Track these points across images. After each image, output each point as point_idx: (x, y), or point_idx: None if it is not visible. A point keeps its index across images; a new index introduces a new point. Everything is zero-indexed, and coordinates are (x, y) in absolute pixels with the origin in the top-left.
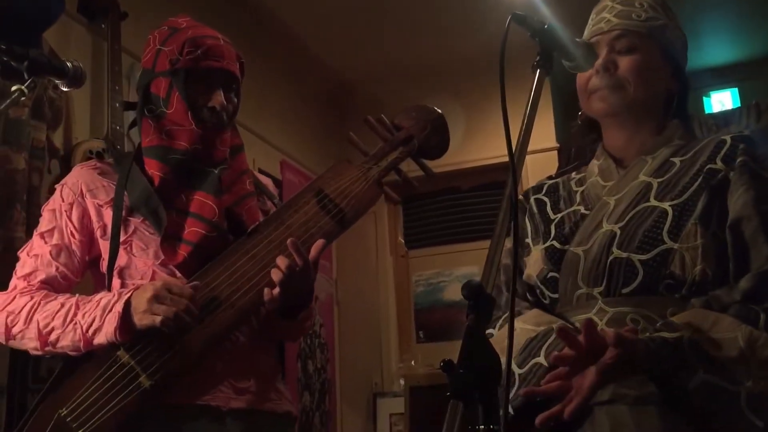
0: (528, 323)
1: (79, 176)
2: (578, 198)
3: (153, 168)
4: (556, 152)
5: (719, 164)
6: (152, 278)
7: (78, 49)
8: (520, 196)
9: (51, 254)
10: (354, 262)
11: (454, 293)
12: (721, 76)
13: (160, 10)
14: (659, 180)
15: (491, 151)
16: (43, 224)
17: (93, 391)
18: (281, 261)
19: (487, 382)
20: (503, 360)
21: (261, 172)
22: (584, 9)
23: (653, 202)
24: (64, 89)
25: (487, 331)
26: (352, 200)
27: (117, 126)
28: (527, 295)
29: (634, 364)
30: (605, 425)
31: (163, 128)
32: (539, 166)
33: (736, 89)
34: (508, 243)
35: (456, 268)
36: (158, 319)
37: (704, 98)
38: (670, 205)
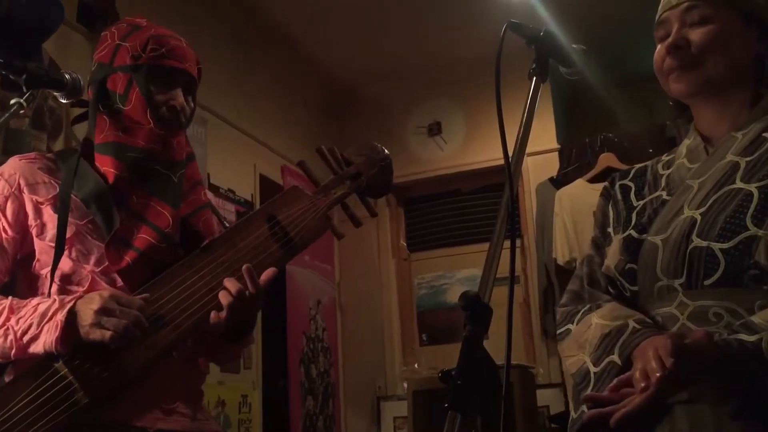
0: (604, 318)
1: (18, 169)
2: (663, 182)
3: (107, 165)
4: (556, 153)
5: None
6: (91, 286)
7: (77, 58)
8: (606, 183)
9: None
10: (356, 266)
11: (456, 296)
12: None
13: (159, 18)
14: (748, 159)
15: (492, 153)
16: None
17: (26, 405)
18: (231, 284)
19: (485, 393)
20: (584, 356)
21: (262, 177)
22: (582, 10)
23: (739, 184)
24: (63, 101)
25: (566, 327)
26: (301, 230)
27: None
28: (609, 288)
29: (706, 371)
30: (684, 424)
31: (119, 125)
32: (540, 167)
33: None
34: (594, 232)
35: (458, 271)
36: (108, 334)
37: None
38: (756, 187)
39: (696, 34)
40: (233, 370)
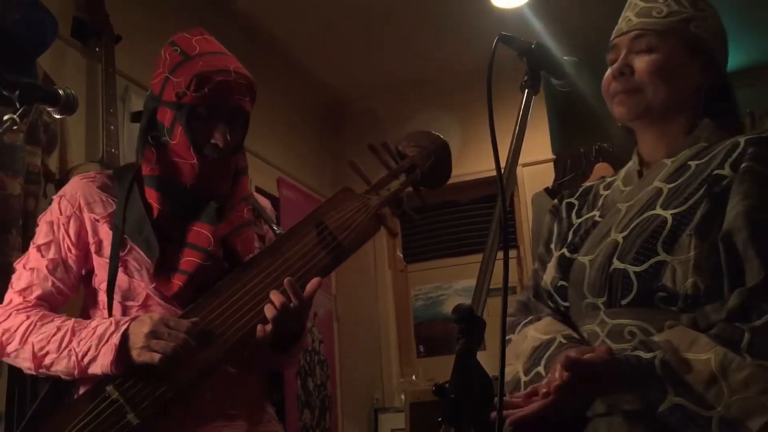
0: (538, 331)
1: (78, 188)
2: (600, 203)
3: (152, 198)
4: (552, 164)
5: (727, 170)
6: (145, 301)
7: (72, 73)
8: (555, 201)
9: (48, 269)
10: (353, 277)
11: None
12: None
13: (154, 34)
14: (670, 186)
15: (488, 163)
16: (40, 236)
17: (81, 429)
18: (276, 297)
19: (479, 407)
20: (518, 366)
21: (258, 190)
22: (576, 22)
23: (658, 210)
24: (57, 116)
25: (508, 336)
26: (351, 233)
27: (112, 149)
28: (549, 301)
29: (602, 384)
30: None
31: (165, 158)
32: (535, 177)
33: (746, 93)
34: (539, 248)
35: (455, 282)
36: (157, 356)
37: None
38: (671, 214)
39: (640, 62)
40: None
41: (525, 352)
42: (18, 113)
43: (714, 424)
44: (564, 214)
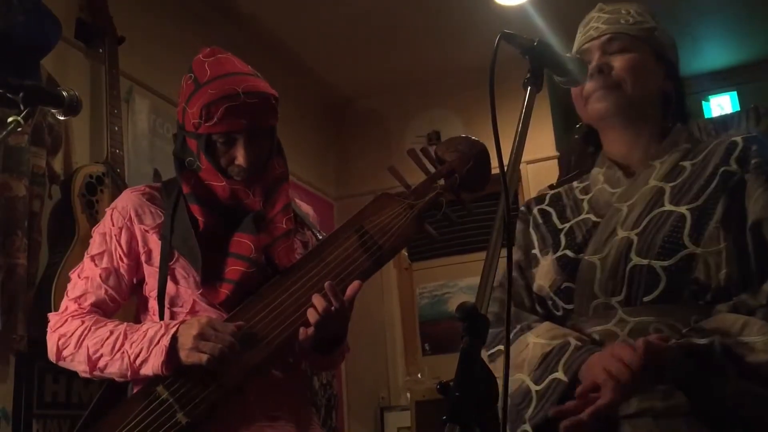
0: (542, 337)
1: (129, 200)
2: (586, 206)
3: (196, 213)
4: (556, 161)
5: (734, 166)
6: (193, 307)
7: (76, 74)
8: (522, 208)
9: (101, 277)
10: None
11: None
12: (719, 80)
13: (157, 35)
14: (672, 184)
15: (492, 161)
16: (94, 247)
17: (133, 428)
18: (318, 301)
19: (483, 405)
20: (522, 376)
21: None
22: (577, 17)
23: (668, 207)
24: (61, 118)
25: (497, 348)
26: (391, 237)
27: (116, 150)
28: (537, 307)
29: (662, 373)
30: None
31: (200, 181)
32: (539, 175)
33: (735, 93)
34: (516, 255)
35: (460, 279)
36: (204, 357)
37: (703, 102)
38: (687, 209)
39: (618, 61)
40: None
41: (531, 360)
42: (22, 115)
43: None
44: (540, 220)
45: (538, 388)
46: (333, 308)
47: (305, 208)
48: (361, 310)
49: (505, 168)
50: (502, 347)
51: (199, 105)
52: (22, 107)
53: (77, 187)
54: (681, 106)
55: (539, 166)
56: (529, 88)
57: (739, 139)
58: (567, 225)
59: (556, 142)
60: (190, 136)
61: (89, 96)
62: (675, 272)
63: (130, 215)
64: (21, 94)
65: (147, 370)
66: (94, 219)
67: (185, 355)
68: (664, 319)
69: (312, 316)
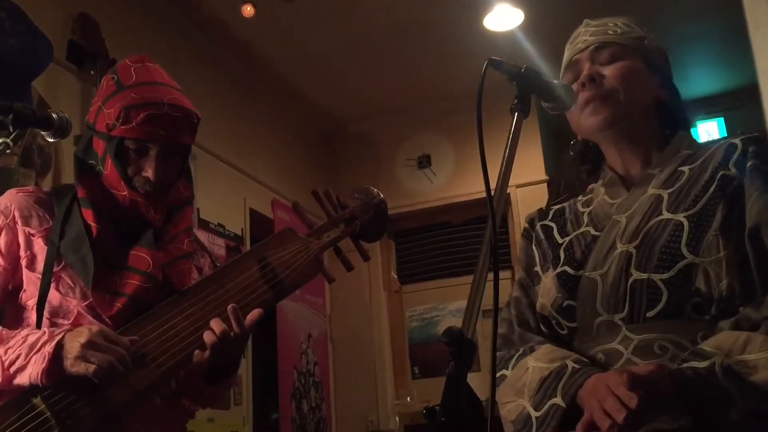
0: (540, 361)
1: (13, 201)
2: (586, 219)
3: (89, 218)
4: (545, 185)
5: (733, 170)
6: (77, 319)
7: (67, 96)
8: (525, 224)
9: None
10: (347, 299)
11: None
12: (707, 106)
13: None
14: (669, 191)
15: (481, 185)
16: None
17: None
18: (216, 324)
19: (468, 429)
20: (523, 402)
21: (252, 211)
22: (564, 42)
23: (666, 215)
24: (50, 140)
25: (500, 373)
26: (292, 273)
27: None
28: (541, 327)
29: (665, 402)
30: None
31: (100, 186)
32: (529, 198)
33: (722, 119)
34: (519, 274)
35: (450, 303)
36: (92, 368)
37: (691, 128)
38: (684, 216)
39: (609, 69)
40: (223, 406)
41: (530, 385)
42: (12, 137)
43: None
44: (542, 236)
45: (537, 414)
46: (232, 333)
47: (202, 237)
48: (350, 333)
49: (492, 192)
50: (506, 372)
51: (119, 106)
52: (11, 129)
53: None
54: (680, 113)
55: (528, 189)
56: (516, 114)
57: (738, 140)
58: (567, 239)
59: (546, 166)
60: (99, 137)
61: (80, 118)
62: (675, 285)
63: (13, 215)
64: (10, 116)
65: (23, 379)
66: None
67: (70, 364)
68: (669, 335)
69: (209, 338)
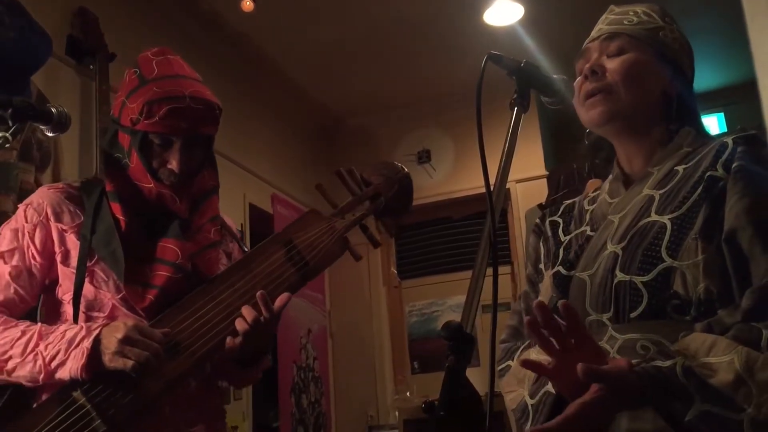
0: (541, 353)
1: (45, 198)
2: (587, 218)
3: (117, 212)
4: (545, 180)
5: (720, 171)
6: (112, 312)
7: (66, 91)
8: (537, 219)
9: (10, 275)
10: (347, 294)
11: None
12: (707, 101)
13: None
14: (661, 191)
15: (481, 180)
16: (4, 243)
17: None
18: (247, 311)
19: (468, 424)
20: (523, 391)
21: (252, 206)
22: (566, 37)
23: (653, 217)
24: (49, 134)
25: (506, 363)
26: (318, 254)
27: None
28: None
29: (628, 397)
30: None
31: (127, 179)
32: (528, 193)
33: (722, 114)
34: (528, 269)
35: (449, 298)
36: (129, 363)
37: (699, 123)
38: (669, 219)
39: (612, 63)
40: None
41: (530, 375)
42: (11, 131)
43: (746, 426)
44: (549, 233)
45: (533, 402)
46: (263, 318)
47: (230, 222)
48: (349, 328)
49: (491, 187)
50: (510, 362)
51: (142, 101)
52: (10, 123)
53: None
54: (688, 107)
55: (528, 185)
56: (515, 109)
57: (729, 139)
58: (567, 238)
59: (545, 161)
60: (124, 130)
61: (79, 112)
62: (655, 287)
63: (46, 212)
64: (9, 111)
65: (63, 373)
66: None
67: (108, 360)
68: (651, 335)
69: (241, 325)
